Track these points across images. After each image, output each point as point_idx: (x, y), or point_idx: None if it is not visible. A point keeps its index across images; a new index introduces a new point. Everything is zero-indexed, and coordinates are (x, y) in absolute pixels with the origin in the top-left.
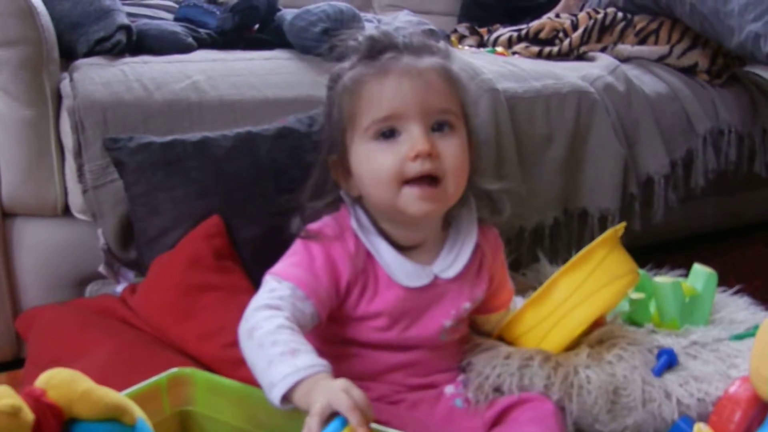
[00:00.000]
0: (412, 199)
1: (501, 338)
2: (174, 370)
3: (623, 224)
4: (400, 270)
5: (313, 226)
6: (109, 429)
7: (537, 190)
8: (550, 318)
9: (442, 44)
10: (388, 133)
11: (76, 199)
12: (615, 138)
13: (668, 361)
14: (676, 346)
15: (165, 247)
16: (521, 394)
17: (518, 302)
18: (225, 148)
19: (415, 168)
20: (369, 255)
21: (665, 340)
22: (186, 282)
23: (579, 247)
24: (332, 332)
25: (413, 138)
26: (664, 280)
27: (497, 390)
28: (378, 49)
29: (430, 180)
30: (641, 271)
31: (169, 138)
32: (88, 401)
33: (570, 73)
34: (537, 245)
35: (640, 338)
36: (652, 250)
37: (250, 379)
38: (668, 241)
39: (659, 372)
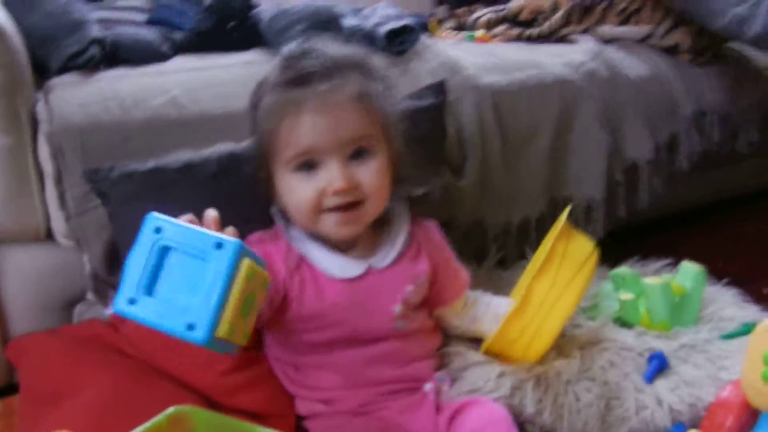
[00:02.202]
0: (331, 225)
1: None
2: (172, 409)
3: (568, 207)
4: (333, 264)
5: (250, 236)
6: None
7: (522, 183)
8: (534, 320)
9: (360, 58)
10: (307, 167)
11: (59, 225)
12: (599, 126)
13: (659, 367)
14: (666, 349)
15: None
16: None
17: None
18: (209, 172)
19: (334, 201)
20: (301, 257)
21: (656, 343)
22: None
23: None
24: (297, 340)
25: (331, 173)
26: (653, 280)
27: None
28: (292, 76)
29: (349, 205)
30: (630, 271)
31: (151, 165)
32: None
33: (553, 61)
34: (523, 240)
35: (632, 343)
36: (636, 231)
37: (247, 407)
38: (651, 219)
39: (651, 378)
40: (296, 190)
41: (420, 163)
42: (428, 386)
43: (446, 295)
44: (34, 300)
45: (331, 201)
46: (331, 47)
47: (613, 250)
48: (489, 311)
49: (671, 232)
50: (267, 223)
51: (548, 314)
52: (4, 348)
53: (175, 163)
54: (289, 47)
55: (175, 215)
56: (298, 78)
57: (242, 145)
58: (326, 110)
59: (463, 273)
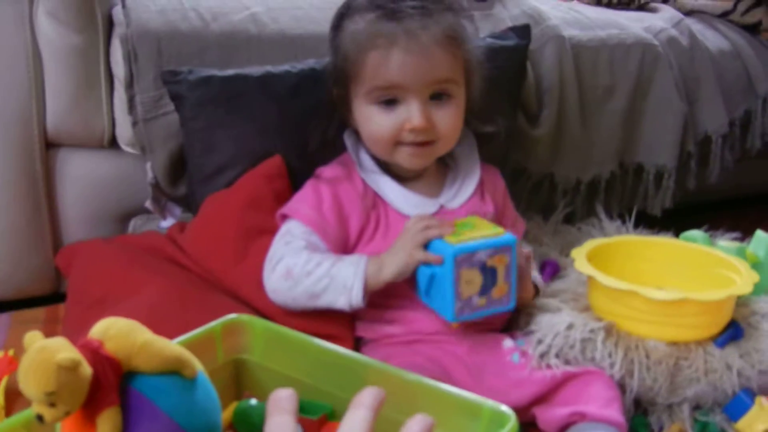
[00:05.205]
0: (405, 156)
1: None
2: (231, 316)
3: None
4: (406, 202)
5: (323, 169)
6: (170, 383)
7: (596, 141)
8: None
9: None
10: (387, 102)
11: (124, 131)
12: (676, 93)
13: (733, 335)
14: (737, 315)
15: (220, 185)
16: (582, 367)
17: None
18: (288, 85)
19: (410, 137)
20: (376, 195)
21: None
22: (244, 223)
23: (633, 203)
24: None
25: (410, 111)
26: (728, 245)
27: (557, 356)
28: (385, 7)
29: (423, 142)
30: (701, 233)
31: (230, 72)
32: (148, 353)
33: (634, 24)
34: (592, 199)
35: None
36: (701, 209)
37: (303, 328)
38: (716, 201)
39: (723, 345)
40: (374, 121)
41: (495, 103)
42: (509, 343)
43: None
44: (90, 209)
45: (407, 137)
46: None
47: (680, 223)
48: None
49: (735, 214)
50: (337, 145)
51: None
52: (54, 254)
53: (256, 72)
54: None
55: (250, 124)
56: (390, 11)
57: (323, 62)
58: (417, 50)
59: (521, 222)
